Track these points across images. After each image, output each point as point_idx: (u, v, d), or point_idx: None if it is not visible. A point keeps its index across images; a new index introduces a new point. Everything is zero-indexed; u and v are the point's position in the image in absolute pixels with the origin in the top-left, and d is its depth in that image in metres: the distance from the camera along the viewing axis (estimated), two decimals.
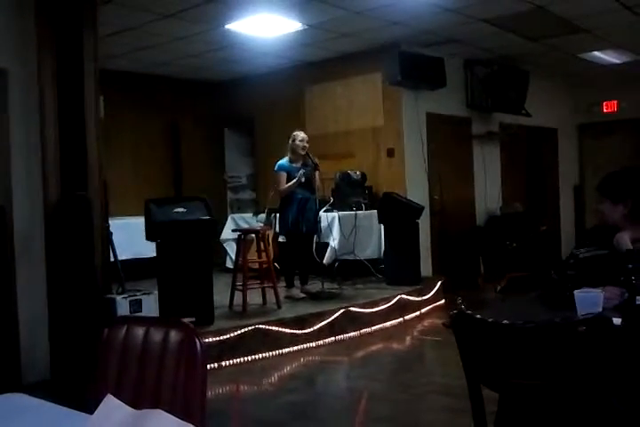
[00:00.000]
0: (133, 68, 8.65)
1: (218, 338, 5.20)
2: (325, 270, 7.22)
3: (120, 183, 8.09)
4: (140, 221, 5.68)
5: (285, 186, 6.44)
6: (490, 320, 2.01)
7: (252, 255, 6.53)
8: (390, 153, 8.25)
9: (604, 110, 10.74)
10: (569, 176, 11.08)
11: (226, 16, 6.58)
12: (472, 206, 9.21)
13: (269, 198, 7.43)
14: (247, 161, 10.15)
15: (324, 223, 7.23)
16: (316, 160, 6.57)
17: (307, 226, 6.54)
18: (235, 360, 5.25)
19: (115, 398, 1.20)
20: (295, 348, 5.66)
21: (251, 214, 8.50)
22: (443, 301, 7.48)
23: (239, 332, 5.37)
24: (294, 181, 6.37)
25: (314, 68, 8.68)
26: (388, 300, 6.68)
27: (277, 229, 6.87)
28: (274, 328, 5.60)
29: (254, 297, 6.28)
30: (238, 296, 6.07)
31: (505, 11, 6.69)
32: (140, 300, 4.96)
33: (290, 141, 6.57)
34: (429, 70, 8.03)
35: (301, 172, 6.38)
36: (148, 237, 5.49)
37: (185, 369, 1.74)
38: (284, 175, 6.47)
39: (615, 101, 10.59)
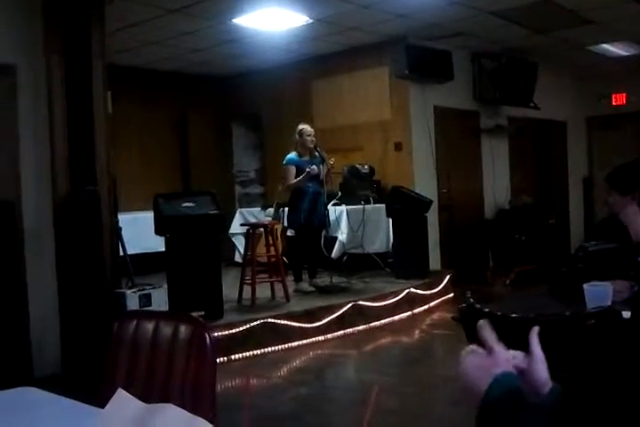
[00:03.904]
0: (141, 64, 8.66)
1: (227, 332, 5.22)
2: (334, 264, 7.22)
3: (128, 178, 8.10)
4: (148, 215, 5.70)
5: (294, 180, 6.44)
6: (499, 314, 2.02)
7: (261, 249, 6.54)
8: (398, 147, 8.24)
9: (613, 103, 10.68)
10: (578, 169, 11.04)
11: (233, 10, 6.57)
12: (480, 200, 9.19)
13: (278, 193, 7.43)
14: (255, 155, 10.15)
15: (332, 217, 7.22)
16: (325, 154, 6.58)
17: (318, 220, 6.55)
18: (244, 354, 5.27)
19: (126, 393, 1.21)
20: (304, 341, 5.67)
21: (259, 209, 8.51)
22: (451, 294, 7.48)
23: (248, 326, 5.38)
24: (304, 175, 6.37)
25: (321, 61, 8.67)
26: (396, 293, 6.68)
27: (287, 223, 6.86)
28: (283, 322, 5.61)
29: (263, 291, 6.29)
30: (247, 290, 6.09)
31: (512, 3, 6.67)
32: (150, 294, 4.99)
33: (297, 136, 6.56)
34: (437, 63, 8.01)
35: (314, 167, 6.37)
36: (157, 232, 5.50)
37: (195, 363, 1.75)
38: (293, 169, 6.47)
39: (624, 94, 10.53)
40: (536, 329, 0.97)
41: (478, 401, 0.90)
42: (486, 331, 0.97)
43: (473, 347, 0.97)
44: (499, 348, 0.93)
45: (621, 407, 1.98)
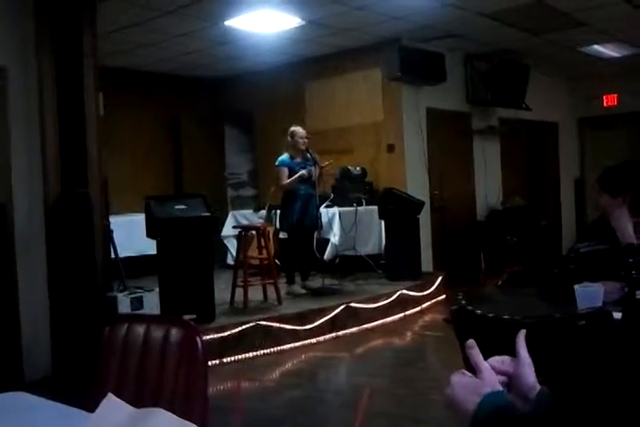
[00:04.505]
0: (133, 66, 8.64)
1: (219, 335, 5.21)
2: (326, 266, 7.22)
3: (120, 180, 8.09)
4: (140, 218, 5.68)
5: (287, 181, 6.45)
6: (490, 315, 2.02)
7: (253, 252, 6.53)
8: (390, 148, 8.24)
9: (605, 104, 10.72)
10: (570, 170, 11.07)
11: (225, 12, 6.56)
12: (473, 201, 9.21)
13: (270, 195, 7.43)
14: (247, 157, 10.14)
15: (324, 219, 7.23)
16: (317, 156, 6.59)
17: (310, 222, 6.55)
18: (236, 357, 5.26)
19: (115, 397, 1.20)
20: (296, 344, 5.67)
21: (251, 211, 8.51)
22: (444, 296, 7.48)
23: (240, 328, 5.37)
24: (296, 176, 6.38)
25: (313, 63, 8.67)
26: (388, 295, 6.68)
27: (279, 225, 6.86)
28: (275, 324, 5.60)
29: (255, 293, 6.28)
30: (239, 293, 6.08)
31: (505, 4, 6.68)
32: (141, 297, 4.97)
33: (289, 138, 6.58)
34: (429, 65, 8.03)
35: (307, 169, 6.39)
36: (149, 235, 5.49)
37: (186, 367, 1.74)
38: (285, 170, 6.48)
39: (615, 95, 10.57)
40: (523, 332, 0.97)
41: (467, 421, 0.90)
42: (474, 351, 0.97)
43: (462, 370, 0.98)
44: (486, 367, 0.94)
45: (613, 409, 1.98)
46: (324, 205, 7.37)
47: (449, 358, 4.87)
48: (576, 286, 2.30)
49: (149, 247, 5.82)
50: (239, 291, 6.09)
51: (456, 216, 8.83)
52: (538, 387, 0.92)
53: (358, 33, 7.57)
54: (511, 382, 0.95)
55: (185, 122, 9.63)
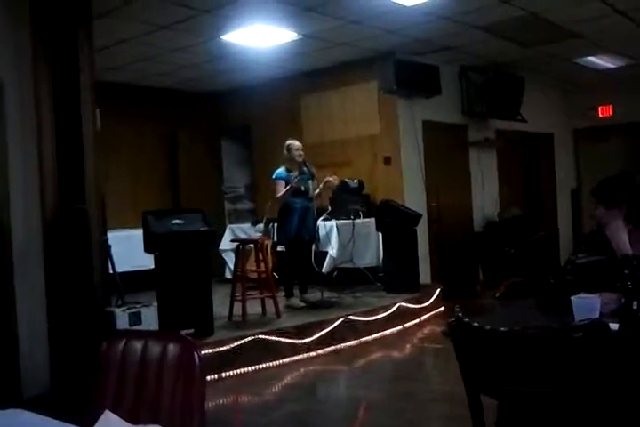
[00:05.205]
0: (130, 80, 8.67)
1: (218, 349, 5.19)
2: (324, 279, 7.21)
3: (118, 195, 8.09)
4: (138, 233, 5.68)
5: (280, 193, 6.46)
6: (487, 327, 2.02)
7: (251, 265, 6.53)
8: (387, 161, 8.27)
9: (600, 115, 10.77)
10: (566, 181, 11.11)
11: (222, 27, 6.61)
12: (470, 213, 9.22)
13: (268, 208, 7.44)
14: (245, 171, 10.16)
15: (322, 232, 7.24)
16: (314, 169, 6.61)
17: (308, 234, 6.56)
18: (235, 371, 5.24)
19: (113, 414, 1.21)
20: (295, 357, 5.65)
21: (249, 224, 8.51)
22: (442, 308, 7.47)
23: (239, 342, 5.36)
24: (287, 188, 6.40)
25: (310, 77, 8.71)
26: (387, 308, 6.67)
27: (276, 238, 6.87)
28: (273, 338, 5.59)
29: (254, 307, 6.28)
30: (238, 307, 6.07)
31: (499, 17, 6.72)
32: (140, 312, 4.96)
33: (285, 152, 6.61)
34: (425, 78, 8.07)
35: (297, 178, 6.40)
36: (147, 249, 5.48)
37: (184, 383, 1.74)
38: (282, 183, 6.49)
39: (610, 106, 10.62)
40: None
41: None
42: None
43: None
44: None
45: (611, 420, 1.98)
46: (322, 217, 7.38)
47: (448, 370, 4.87)
48: (573, 298, 2.31)
49: (147, 262, 5.81)
50: (237, 305, 6.08)
51: (453, 228, 8.84)
52: None
53: (354, 47, 7.62)
54: None
55: (182, 136, 9.66)
